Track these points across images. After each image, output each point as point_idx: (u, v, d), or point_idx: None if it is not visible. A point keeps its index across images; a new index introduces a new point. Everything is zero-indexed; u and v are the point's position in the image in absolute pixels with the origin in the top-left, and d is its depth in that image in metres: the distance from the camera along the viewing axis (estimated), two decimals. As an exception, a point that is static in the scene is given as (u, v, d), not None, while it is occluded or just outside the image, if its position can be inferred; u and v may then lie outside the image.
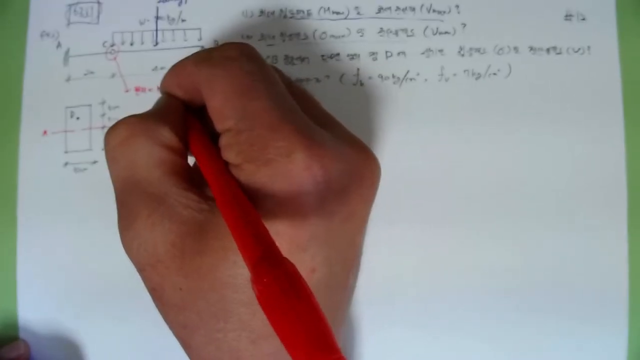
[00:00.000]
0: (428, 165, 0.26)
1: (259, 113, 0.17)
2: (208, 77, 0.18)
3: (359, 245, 0.20)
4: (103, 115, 0.26)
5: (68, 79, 0.27)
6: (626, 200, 0.26)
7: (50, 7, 0.27)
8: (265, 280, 0.12)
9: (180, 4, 0.27)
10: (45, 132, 0.26)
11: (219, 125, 0.18)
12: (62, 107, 0.26)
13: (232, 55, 0.18)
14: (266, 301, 0.12)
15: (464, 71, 0.26)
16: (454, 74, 0.26)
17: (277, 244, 0.14)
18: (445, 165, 0.26)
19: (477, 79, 0.26)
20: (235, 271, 0.16)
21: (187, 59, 0.19)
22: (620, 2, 0.26)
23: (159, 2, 0.27)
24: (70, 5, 0.27)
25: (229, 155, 0.17)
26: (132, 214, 0.17)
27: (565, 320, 0.26)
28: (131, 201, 0.18)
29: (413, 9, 0.26)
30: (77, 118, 0.26)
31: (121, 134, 0.18)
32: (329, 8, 0.26)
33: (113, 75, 0.26)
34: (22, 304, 0.26)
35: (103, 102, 0.26)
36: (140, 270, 0.18)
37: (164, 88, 0.21)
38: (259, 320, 0.17)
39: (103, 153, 0.18)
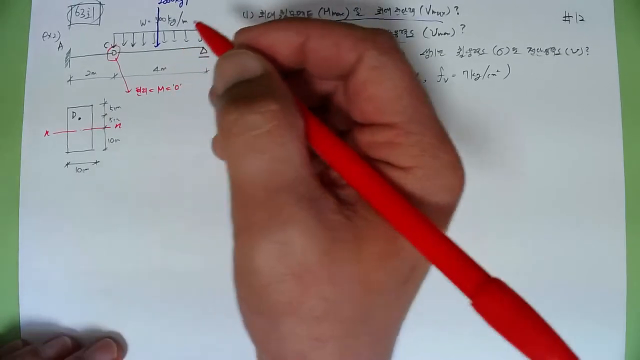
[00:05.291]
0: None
1: (430, 120, 0.17)
2: (377, 62, 0.16)
3: None
4: (104, 115, 0.26)
5: (69, 80, 0.27)
6: (624, 199, 0.26)
7: (52, 8, 0.27)
8: (504, 304, 0.14)
9: (181, 5, 0.27)
10: (47, 133, 0.27)
11: (377, 116, 0.17)
12: (64, 107, 0.27)
13: (395, 46, 0.17)
14: (503, 322, 0.14)
15: (463, 72, 0.26)
16: (453, 75, 0.26)
17: None
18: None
19: (476, 79, 0.26)
20: (389, 278, 0.16)
21: (330, 26, 0.17)
22: (618, 3, 0.26)
23: (159, 3, 0.27)
24: (71, 7, 0.27)
25: (396, 155, 0.16)
26: (279, 216, 0.15)
27: (564, 318, 0.25)
28: (279, 202, 0.15)
29: (412, 10, 0.27)
30: (79, 118, 0.26)
31: (267, 122, 0.15)
32: (329, 9, 0.26)
33: (114, 76, 0.27)
34: (24, 304, 0.26)
35: (104, 103, 0.26)
36: (273, 282, 0.15)
37: (260, 41, 0.17)
38: (391, 322, 0.17)
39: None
